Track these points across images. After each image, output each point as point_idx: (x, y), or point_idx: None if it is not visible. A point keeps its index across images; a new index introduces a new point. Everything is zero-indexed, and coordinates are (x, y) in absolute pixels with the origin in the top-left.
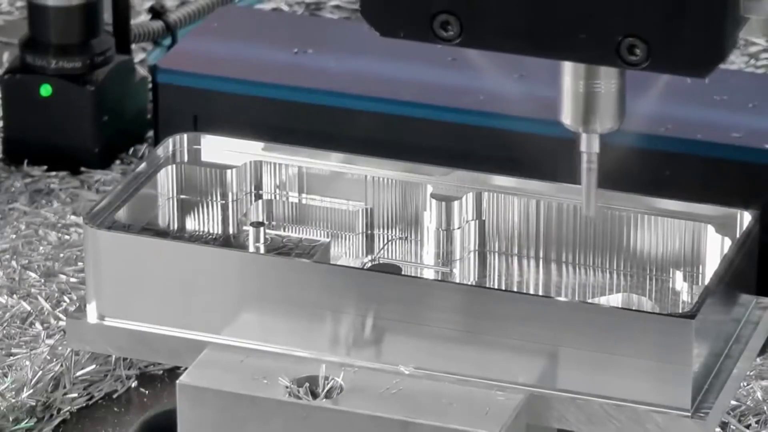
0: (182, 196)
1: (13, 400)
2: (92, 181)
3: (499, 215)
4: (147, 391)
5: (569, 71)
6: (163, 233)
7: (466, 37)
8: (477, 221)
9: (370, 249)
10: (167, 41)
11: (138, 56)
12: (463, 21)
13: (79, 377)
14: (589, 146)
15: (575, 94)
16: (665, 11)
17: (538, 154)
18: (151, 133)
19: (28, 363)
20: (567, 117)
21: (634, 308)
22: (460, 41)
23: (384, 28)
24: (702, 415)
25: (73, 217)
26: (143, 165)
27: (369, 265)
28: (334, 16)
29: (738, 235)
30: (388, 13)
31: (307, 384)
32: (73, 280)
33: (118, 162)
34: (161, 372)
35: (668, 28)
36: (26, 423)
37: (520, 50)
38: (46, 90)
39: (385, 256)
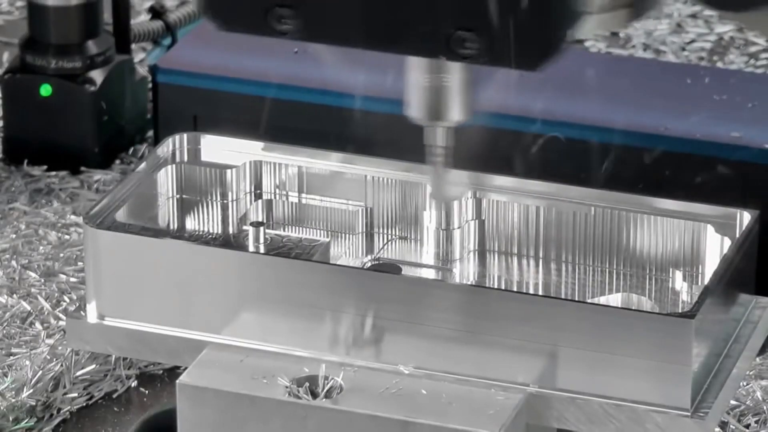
0: (182, 196)
1: (13, 400)
2: (92, 181)
3: (498, 215)
4: (147, 391)
5: (414, 65)
6: (162, 233)
7: (301, 30)
8: (477, 221)
9: (369, 249)
10: (167, 41)
11: (138, 56)
12: (300, 14)
13: (79, 377)
14: (434, 139)
15: (421, 88)
16: (496, 5)
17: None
18: (150, 133)
19: (28, 363)
20: (413, 110)
21: (633, 308)
22: (295, 34)
23: (221, 21)
24: (701, 414)
25: (73, 217)
26: (143, 165)
27: (369, 264)
28: None
29: (737, 235)
30: (225, 7)
31: (306, 384)
32: (73, 279)
33: (118, 162)
34: (161, 372)
35: (499, 21)
36: (26, 423)
37: (357, 43)
38: (46, 90)
39: (385, 256)
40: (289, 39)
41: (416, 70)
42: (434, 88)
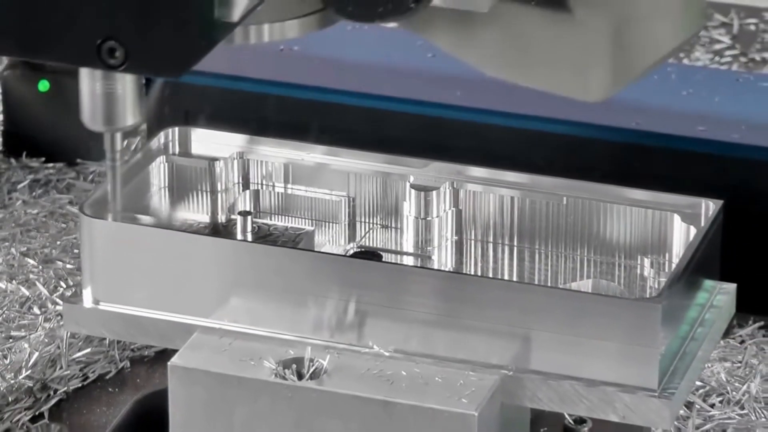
0: (173, 187)
1: (12, 381)
2: (88, 172)
3: (475, 205)
4: (140, 372)
5: (85, 74)
6: (155, 222)
7: None
8: (454, 210)
9: (352, 237)
10: None
11: None
12: None
13: (75, 359)
14: (111, 145)
15: (93, 96)
16: (137, 16)
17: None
18: (144, 127)
19: (26, 345)
20: (87, 119)
21: (603, 293)
22: None
23: None
24: (668, 395)
25: (69, 207)
26: (137, 157)
27: (351, 252)
28: None
29: (703, 224)
30: None
31: (292, 365)
32: (69, 266)
33: None
34: (153, 354)
35: (141, 32)
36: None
37: (13, 52)
38: (43, 85)
39: (367, 244)
40: None
41: (87, 78)
42: (106, 96)
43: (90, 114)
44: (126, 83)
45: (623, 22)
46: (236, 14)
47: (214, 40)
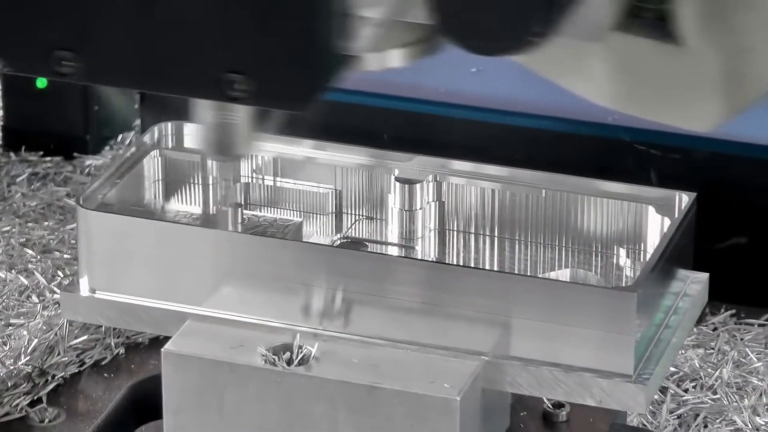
0: (167, 180)
1: (12, 367)
2: (84, 166)
3: (457, 197)
4: (134, 358)
5: (200, 103)
6: (149, 213)
7: (82, 72)
8: (437, 202)
9: (339, 228)
10: None
11: None
12: (79, 57)
13: (72, 346)
14: (223, 173)
15: (207, 124)
16: (262, 48)
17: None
18: (138, 122)
19: (25, 332)
20: (203, 145)
21: (581, 282)
22: (76, 76)
23: (7, 61)
24: (643, 380)
25: (66, 199)
26: (131, 151)
27: (338, 242)
28: None
29: (676, 215)
30: (10, 48)
31: (281, 352)
32: (66, 256)
33: (108, 148)
34: (147, 341)
35: (265, 65)
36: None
37: (134, 85)
38: (41, 82)
39: (353, 235)
40: (69, 81)
41: (202, 107)
42: (220, 125)
43: (204, 141)
44: (241, 113)
45: (735, 52)
46: (360, 45)
47: (338, 72)
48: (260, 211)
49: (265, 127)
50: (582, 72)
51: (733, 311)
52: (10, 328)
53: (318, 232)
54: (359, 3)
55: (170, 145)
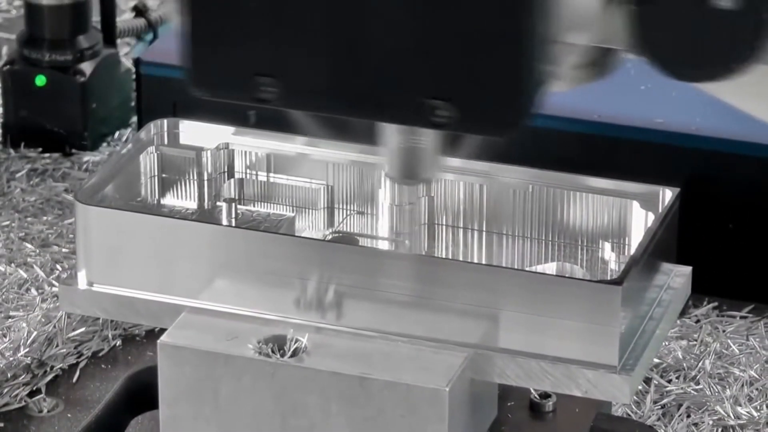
0: (162, 175)
1: (11, 358)
2: (82, 162)
3: (446, 192)
4: (131, 350)
5: (389, 126)
6: (145, 208)
7: (282, 98)
8: (427, 198)
9: (330, 223)
10: (149, 37)
11: (123, 50)
12: (279, 83)
13: (70, 338)
14: (406, 197)
15: (395, 148)
16: (466, 76)
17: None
18: (134, 119)
19: (24, 325)
20: (389, 168)
21: (567, 276)
22: (276, 102)
23: (204, 88)
24: (628, 371)
25: (65, 194)
26: (128, 147)
27: (330, 237)
28: None
29: (660, 210)
30: (207, 75)
31: (275, 344)
32: (65, 250)
33: (105, 144)
34: (144, 333)
35: (470, 91)
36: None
37: (334, 110)
38: (40, 80)
39: (344, 229)
40: (270, 107)
41: (391, 131)
42: (408, 149)
43: (391, 165)
44: (428, 137)
45: None
46: (562, 70)
47: (541, 97)
48: (254, 206)
49: (452, 151)
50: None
51: (716, 304)
52: (10, 320)
53: (310, 226)
54: (564, 29)
55: (166, 141)
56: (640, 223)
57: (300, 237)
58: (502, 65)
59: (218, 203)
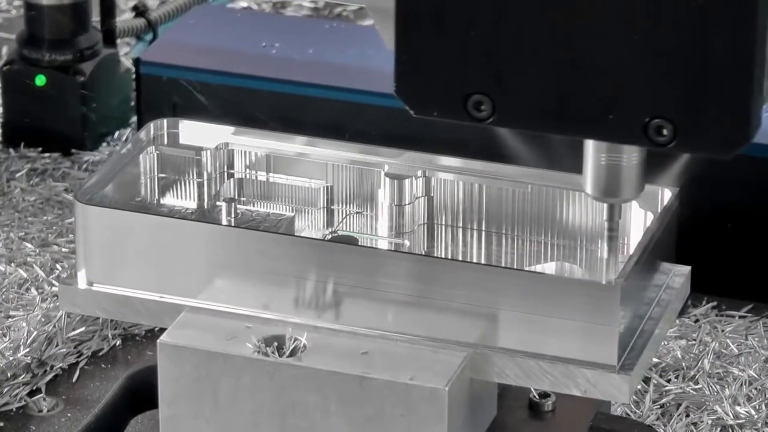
0: (162, 175)
1: (11, 358)
2: (82, 162)
3: (445, 192)
4: (130, 349)
5: (592, 145)
6: (145, 208)
7: (498, 117)
8: (426, 197)
9: (330, 222)
10: (149, 36)
11: (122, 50)
12: (496, 102)
13: (70, 337)
14: (611, 216)
15: (598, 167)
16: (691, 95)
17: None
18: (134, 119)
19: (24, 324)
20: (590, 188)
21: (566, 275)
22: (492, 120)
23: (417, 106)
24: (627, 370)
25: (65, 194)
26: (128, 147)
27: (329, 236)
28: (298, 14)
29: (659, 210)
30: (422, 93)
31: (274, 343)
32: (64, 250)
33: (105, 144)
34: (143, 332)
35: (694, 111)
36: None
37: (550, 129)
38: (40, 80)
39: (344, 229)
40: (485, 125)
41: (595, 149)
42: (612, 167)
43: (593, 184)
44: (632, 157)
45: None
46: None
47: (760, 117)
48: (253, 206)
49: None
50: None
51: (715, 303)
52: (10, 320)
53: (310, 226)
54: None
55: (165, 141)
56: (639, 222)
57: (299, 237)
58: (729, 85)
59: (218, 203)
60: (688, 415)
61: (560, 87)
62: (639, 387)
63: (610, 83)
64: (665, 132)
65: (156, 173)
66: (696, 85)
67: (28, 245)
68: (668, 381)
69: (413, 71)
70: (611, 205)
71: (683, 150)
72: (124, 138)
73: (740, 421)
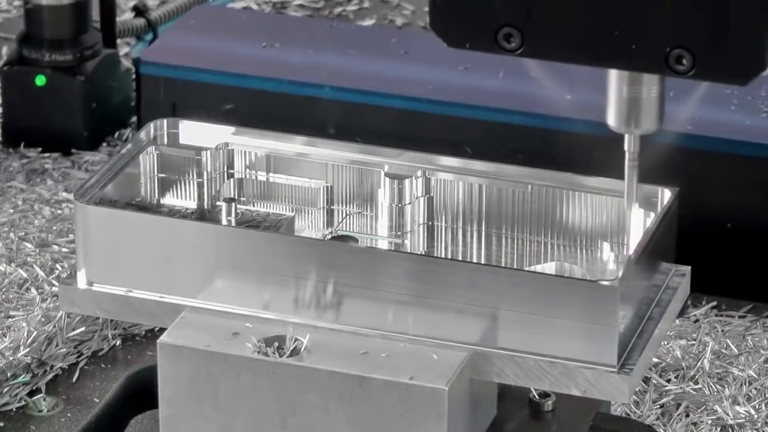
0: (162, 175)
1: (11, 358)
2: (82, 162)
3: (445, 192)
4: (131, 350)
5: (615, 78)
6: (145, 208)
7: (527, 48)
8: (426, 197)
9: (330, 222)
10: (149, 36)
11: (123, 50)
12: (524, 33)
13: (70, 337)
14: (631, 146)
15: (620, 99)
16: (710, 23)
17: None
18: (134, 119)
19: (24, 324)
20: (612, 119)
21: (566, 275)
22: (521, 52)
23: (451, 39)
24: (627, 370)
25: (64, 194)
26: (127, 147)
27: (329, 236)
28: (298, 14)
29: (659, 210)
30: (454, 26)
31: (274, 343)
32: (64, 250)
33: (105, 144)
34: (143, 332)
35: (713, 39)
36: (23, 378)
37: (576, 60)
38: (40, 80)
39: (344, 229)
40: (514, 56)
41: (616, 82)
42: (632, 99)
43: (613, 115)
44: (651, 90)
45: None
46: None
47: None
48: (253, 206)
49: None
50: None
51: (714, 303)
52: (10, 320)
53: (309, 226)
54: None
55: (165, 141)
56: (638, 222)
57: (299, 237)
58: (745, 15)
59: (218, 203)
60: (688, 415)
61: (585, 19)
62: (639, 387)
63: (633, 15)
64: (685, 61)
65: (156, 173)
66: (713, 15)
67: (28, 245)
68: (668, 381)
69: (446, 5)
70: (631, 136)
71: (702, 78)
72: (124, 138)
73: (740, 421)
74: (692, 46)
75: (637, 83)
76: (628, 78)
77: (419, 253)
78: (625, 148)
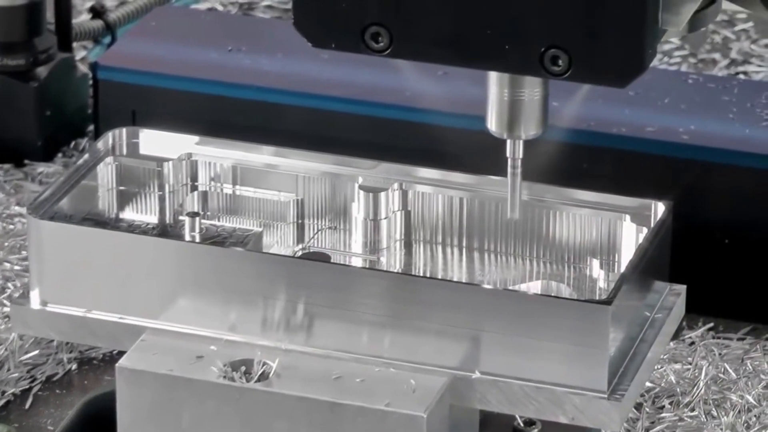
0: (121, 188)
1: None
2: (35, 173)
3: (423, 206)
4: (87, 374)
5: (495, 80)
6: (103, 223)
7: (396, 48)
8: (403, 212)
9: (300, 238)
10: (107, 39)
11: (79, 54)
12: (393, 33)
13: (22, 361)
14: (513, 152)
15: (500, 102)
16: (586, 24)
17: (460, 147)
18: (91, 127)
19: None
20: (492, 124)
21: (553, 295)
22: (389, 52)
23: (316, 39)
24: (618, 396)
25: (17, 208)
26: (84, 158)
27: (300, 253)
28: (266, 15)
29: (652, 225)
30: (320, 25)
31: (241, 367)
32: (17, 267)
33: (60, 155)
34: (101, 356)
35: (589, 40)
36: None
37: (448, 60)
38: None
39: (315, 245)
40: (382, 57)
41: (496, 85)
42: (514, 103)
43: (494, 120)
44: (535, 93)
45: None
46: (682, 21)
47: (655, 48)
48: (219, 221)
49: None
50: None
51: (711, 325)
52: None
53: (279, 242)
54: None
55: (125, 151)
56: (630, 238)
57: (268, 254)
58: (623, 15)
59: (180, 217)
60: None
61: (457, 18)
62: (630, 414)
63: (506, 13)
64: (561, 62)
65: (114, 186)
66: (590, 14)
67: None
68: (662, 408)
69: (311, 3)
70: (513, 141)
71: (579, 79)
72: (80, 148)
73: None
74: (568, 46)
75: (518, 86)
76: (508, 80)
77: (396, 271)
78: (507, 154)
